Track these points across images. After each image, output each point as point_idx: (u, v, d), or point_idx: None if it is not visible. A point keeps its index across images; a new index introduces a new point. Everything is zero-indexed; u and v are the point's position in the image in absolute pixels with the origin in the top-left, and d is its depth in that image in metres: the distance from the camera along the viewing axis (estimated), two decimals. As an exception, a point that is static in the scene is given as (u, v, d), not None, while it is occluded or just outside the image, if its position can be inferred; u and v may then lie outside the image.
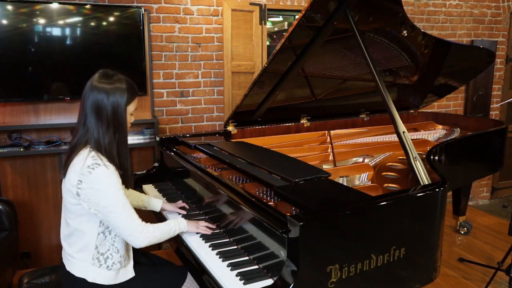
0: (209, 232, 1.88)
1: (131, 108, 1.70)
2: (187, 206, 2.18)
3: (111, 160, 1.63)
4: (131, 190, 2.14)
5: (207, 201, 2.06)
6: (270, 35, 4.57)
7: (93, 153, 1.60)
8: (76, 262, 1.68)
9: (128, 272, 1.76)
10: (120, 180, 1.63)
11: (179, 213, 2.14)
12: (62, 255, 1.77)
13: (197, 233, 1.89)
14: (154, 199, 2.18)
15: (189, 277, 1.87)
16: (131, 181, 1.94)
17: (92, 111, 1.61)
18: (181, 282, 1.86)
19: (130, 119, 1.72)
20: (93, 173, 1.55)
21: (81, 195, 1.58)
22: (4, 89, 3.07)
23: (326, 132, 3.05)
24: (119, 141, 1.66)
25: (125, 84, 1.66)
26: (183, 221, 1.85)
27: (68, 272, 1.69)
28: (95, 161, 1.57)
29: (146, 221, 1.72)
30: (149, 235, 1.67)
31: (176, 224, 1.80)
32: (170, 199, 2.37)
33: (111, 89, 1.61)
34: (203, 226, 1.88)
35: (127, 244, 1.77)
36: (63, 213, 1.72)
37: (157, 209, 2.17)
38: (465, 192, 3.47)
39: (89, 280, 1.66)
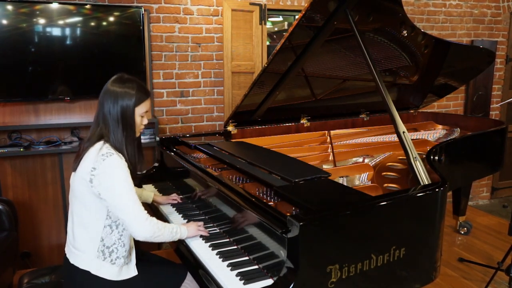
0: (207, 233, 1.90)
1: (140, 110, 1.78)
2: (179, 200, 2.31)
3: (122, 155, 1.72)
4: None
5: (207, 201, 2.06)
6: (270, 35, 4.58)
7: (107, 144, 1.71)
8: (81, 254, 1.71)
9: (130, 270, 1.78)
10: (129, 173, 1.70)
11: (171, 204, 2.30)
12: (66, 249, 1.80)
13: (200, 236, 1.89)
14: (146, 191, 2.34)
15: (188, 276, 1.88)
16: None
17: (105, 111, 1.73)
18: (181, 281, 1.87)
19: (141, 121, 1.82)
20: (106, 160, 1.65)
21: (93, 181, 1.64)
22: (4, 89, 3.07)
23: (326, 132, 3.05)
24: (127, 140, 1.75)
25: (135, 87, 1.76)
26: (184, 228, 1.85)
27: (72, 265, 1.73)
28: (109, 150, 1.68)
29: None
30: (153, 223, 1.70)
31: (178, 228, 1.82)
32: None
33: (121, 92, 1.73)
34: (202, 229, 1.90)
35: (132, 239, 1.80)
36: (70, 206, 1.78)
37: (149, 200, 2.30)
38: (465, 192, 3.47)
39: (93, 272, 1.70)
